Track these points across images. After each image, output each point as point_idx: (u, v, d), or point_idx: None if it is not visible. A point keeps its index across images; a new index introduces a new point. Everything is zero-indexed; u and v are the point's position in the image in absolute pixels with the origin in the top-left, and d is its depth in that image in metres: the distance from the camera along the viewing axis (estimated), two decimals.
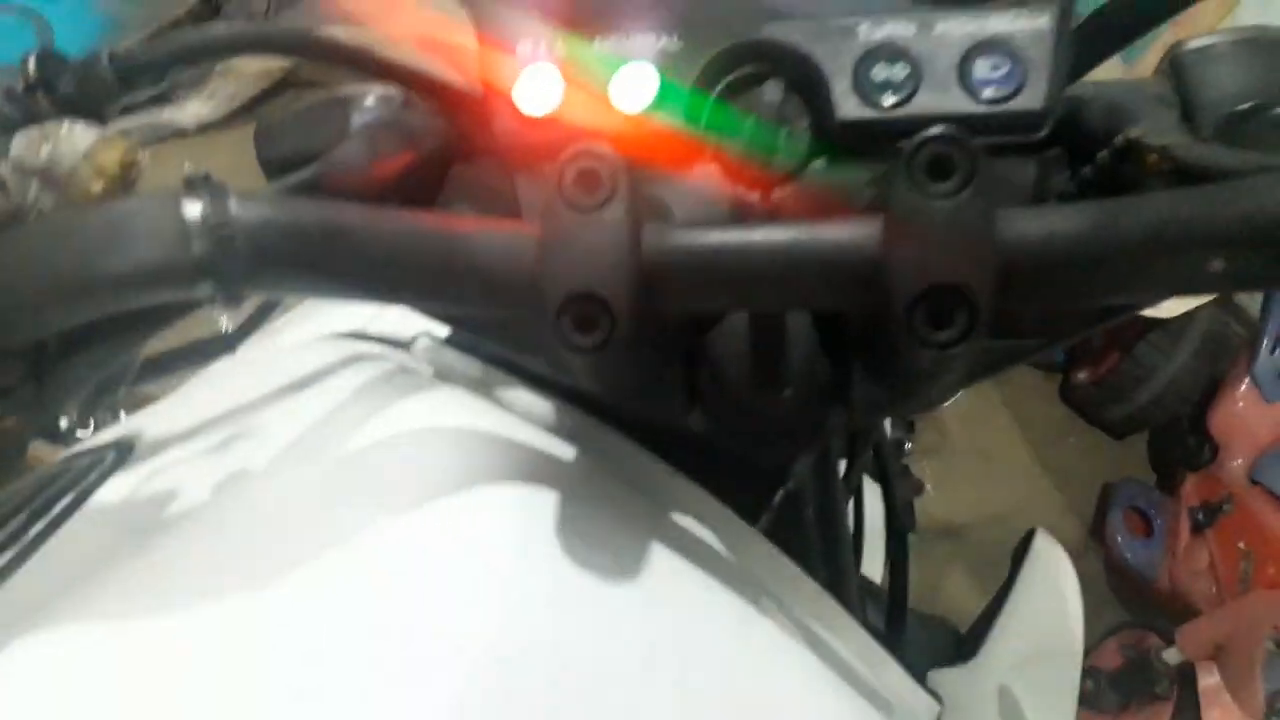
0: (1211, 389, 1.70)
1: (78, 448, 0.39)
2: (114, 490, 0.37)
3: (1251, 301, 1.75)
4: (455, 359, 0.44)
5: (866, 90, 0.35)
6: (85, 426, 0.33)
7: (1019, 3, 0.34)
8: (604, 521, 0.36)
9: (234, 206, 0.27)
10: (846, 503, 0.57)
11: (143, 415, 0.42)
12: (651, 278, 0.29)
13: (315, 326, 0.48)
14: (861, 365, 0.35)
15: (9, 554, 0.34)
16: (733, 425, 0.37)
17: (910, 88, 0.34)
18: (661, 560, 0.36)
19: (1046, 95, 0.34)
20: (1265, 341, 1.62)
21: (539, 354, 0.39)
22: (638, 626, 0.33)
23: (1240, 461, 1.63)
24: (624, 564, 0.35)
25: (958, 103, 0.34)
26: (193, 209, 0.26)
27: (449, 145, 0.39)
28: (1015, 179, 0.36)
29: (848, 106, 0.35)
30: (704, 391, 0.37)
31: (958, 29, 0.34)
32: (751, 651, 0.36)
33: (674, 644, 0.33)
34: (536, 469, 0.37)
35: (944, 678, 0.52)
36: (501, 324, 0.39)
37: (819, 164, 0.36)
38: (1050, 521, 1.83)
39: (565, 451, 0.39)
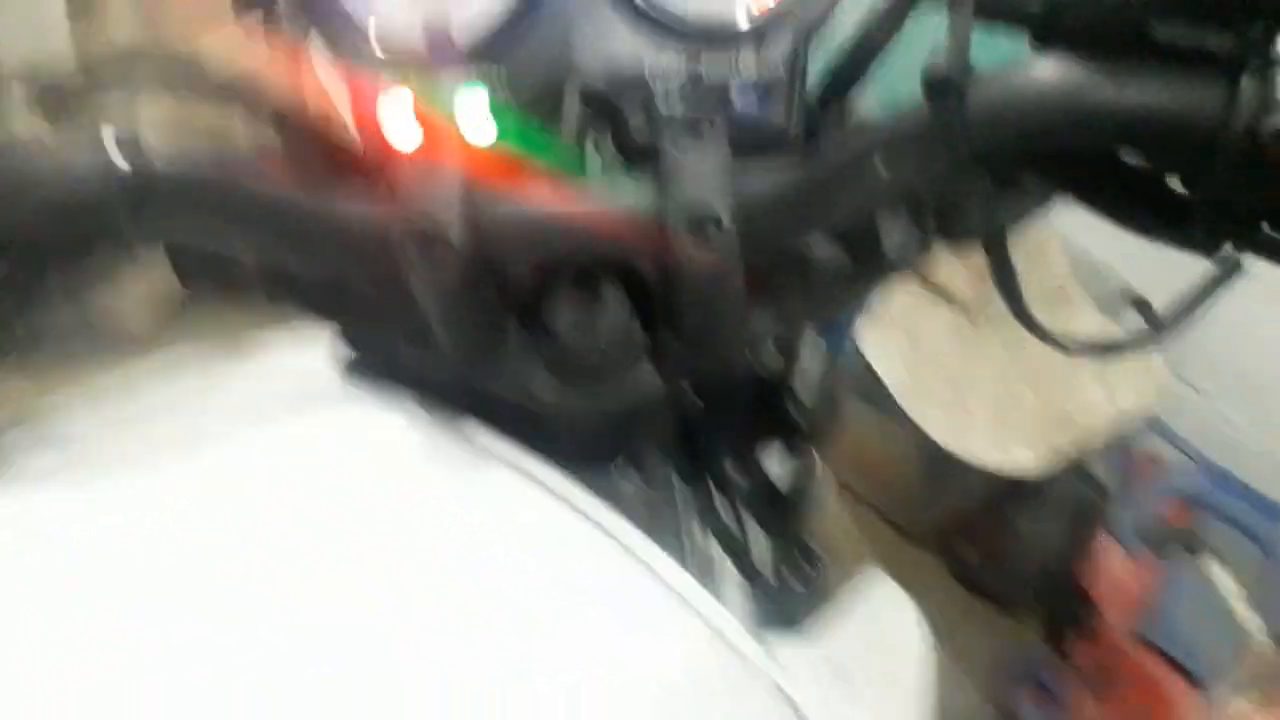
0: (1083, 553, 1.80)
1: None
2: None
3: (1109, 477, 1.88)
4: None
5: (653, 118, 0.45)
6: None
7: (759, 50, 0.46)
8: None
9: (150, 150, 0.35)
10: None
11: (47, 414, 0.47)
12: (484, 226, 0.38)
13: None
14: (663, 321, 0.44)
15: None
16: (567, 380, 0.44)
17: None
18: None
19: (786, 115, 0.45)
20: (1120, 504, 1.74)
21: (405, 339, 0.46)
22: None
23: (1121, 620, 1.70)
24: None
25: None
26: (117, 153, 0.34)
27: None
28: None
29: (639, 131, 0.45)
30: (543, 356, 0.45)
31: (717, 74, 0.46)
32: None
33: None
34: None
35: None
36: (370, 311, 0.46)
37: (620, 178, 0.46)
38: (959, 705, 1.86)
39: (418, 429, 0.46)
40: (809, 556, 1.04)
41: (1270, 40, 0.30)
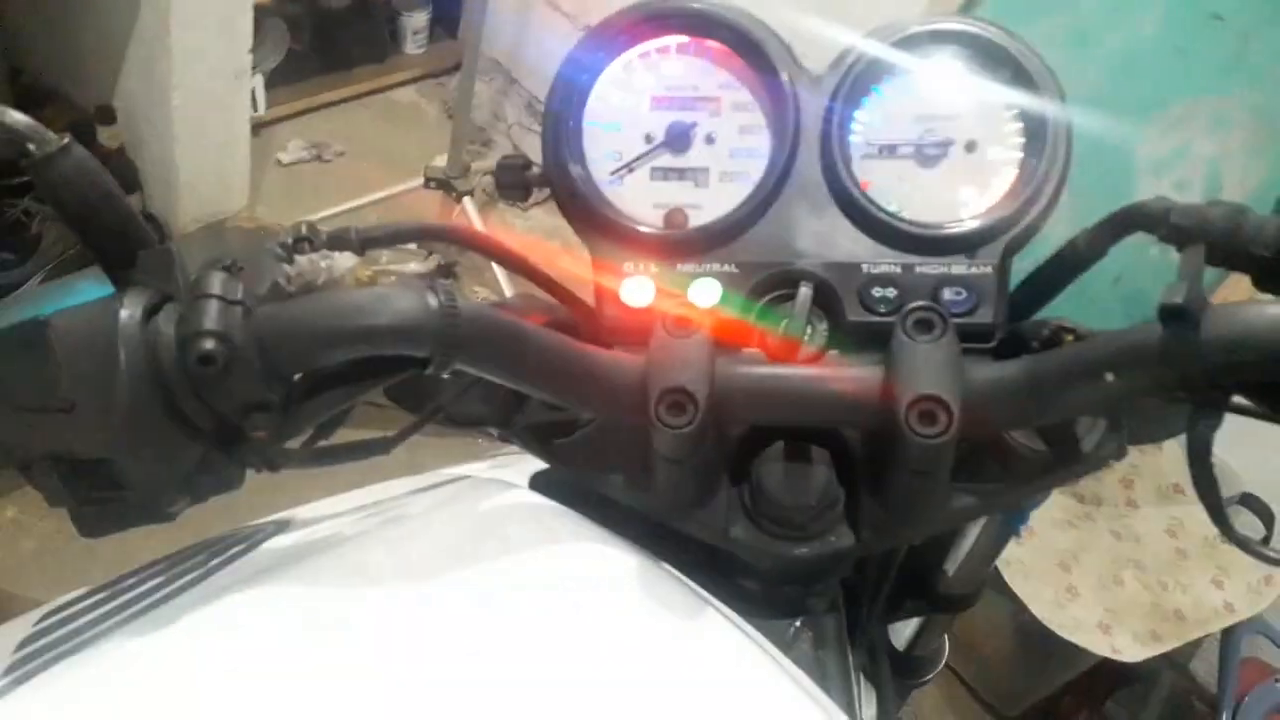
0: None
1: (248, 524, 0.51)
2: (273, 545, 0.48)
3: (1209, 674, 1.82)
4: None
5: (868, 304, 0.50)
6: (294, 465, 0.44)
7: (970, 256, 0.50)
8: (671, 618, 0.46)
9: (460, 302, 0.41)
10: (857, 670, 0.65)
11: (299, 508, 0.53)
12: (721, 386, 0.43)
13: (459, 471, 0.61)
14: (867, 490, 0.48)
15: (193, 575, 0.45)
16: (767, 530, 0.48)
17: (898, 304, 0.50)
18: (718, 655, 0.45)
19: (994, 314, 0.50)
20: (1224, 711, 1.67)
21: (617, 473, 0.50)
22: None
23: None
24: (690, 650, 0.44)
25: None
26: (433, 298, 0.40)
27: (565, 325, 0.54)
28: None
29: (855, 313, 0.50)
30: (745, 506, 0.49)
31: (930, 270, 0.50)
32: None
33: None
34: (622, 564, 0.48)
35: None
36: (590, 453, 0.51)
37: (833, 354, 0.51)
38: None
39: (635, 561, 0.50)
40: None
41: None
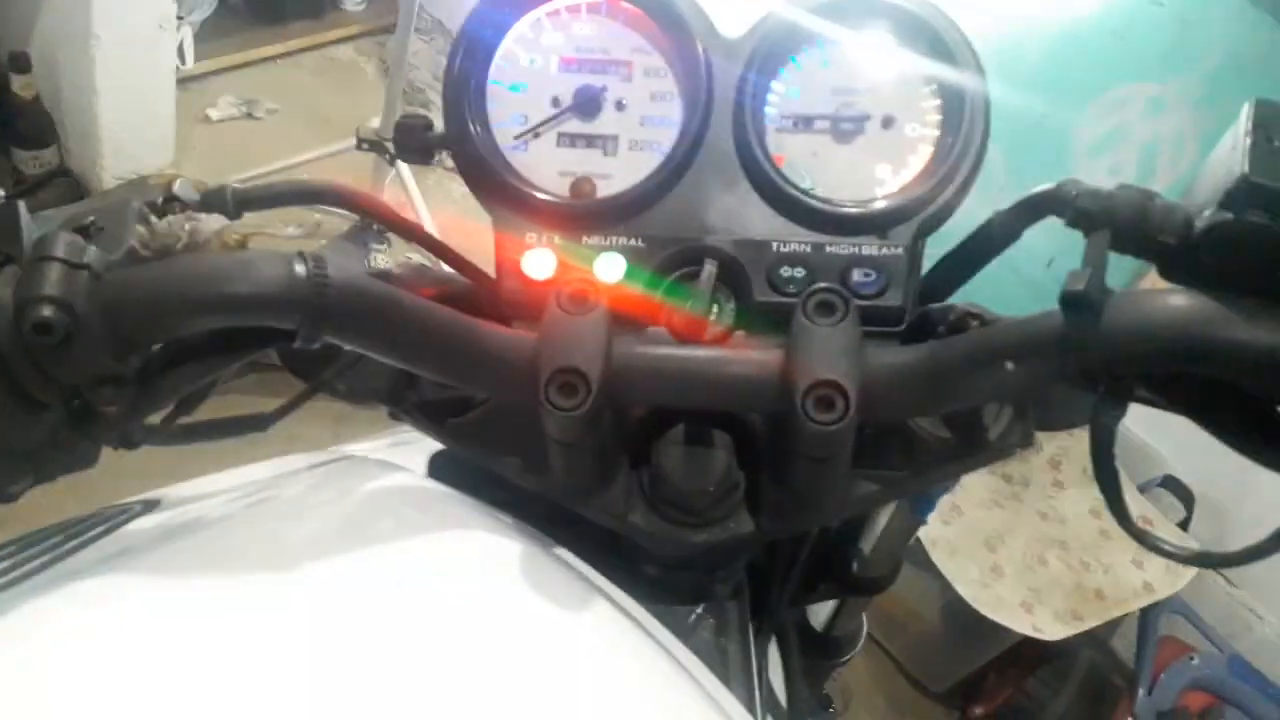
0: None
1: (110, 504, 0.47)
2: (138, 525, 0.45)
3: (1128, 651, 1.86)
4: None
5: (776, 283, 0.48)
6: (153, 440, 0.41)
7: (882, 237, 0.49)
8: (557, 594, 0.44)
9: (330, 270, 0.38)
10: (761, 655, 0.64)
11: (169, 487, 0.50)
12: (618, 365, 0.41)
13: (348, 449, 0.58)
14: (768, 476, 0.46)
15: (43, 560, 0.42)
16: (666, 515, 0.46)
17: (806, 284, 0.48)
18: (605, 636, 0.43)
19: (903, 297, 0.48)
20: (1141, 686, 1.71)
21: (512, 455, 0.48)
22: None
23: None
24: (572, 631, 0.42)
25: None
26: (300, 265, 0.38)
27: (463, 298, 0.52)
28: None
29: (762, 293, 0.48)
30: (645, 490, 0.47)
31: (841, 250, 0.49)
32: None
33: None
34: (503, 546, 0.46)
35: None
36: (485, 434, 0.49)
37: (739, 335, 0.49)
38: None
39: (526, 543, 0.48)
40: (826, 704, 1.05)
41: None
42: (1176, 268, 0.37)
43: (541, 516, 0.51)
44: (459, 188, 2.50)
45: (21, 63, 1.94)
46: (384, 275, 0.47)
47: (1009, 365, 0.38)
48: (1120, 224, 0.37)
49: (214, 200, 0.45)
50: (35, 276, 0.35)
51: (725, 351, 0.44)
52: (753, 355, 0.43)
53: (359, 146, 2.06)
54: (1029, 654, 1.81)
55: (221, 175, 2.25)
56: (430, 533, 0.45)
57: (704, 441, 0.47)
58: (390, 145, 1.84)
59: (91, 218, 0.40)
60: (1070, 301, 0.36)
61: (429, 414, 0.50)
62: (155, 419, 0.41)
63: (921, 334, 0.48)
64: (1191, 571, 1.66)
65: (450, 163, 0.52)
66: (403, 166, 2.13)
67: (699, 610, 0.54)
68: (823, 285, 0.42)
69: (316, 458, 0.53)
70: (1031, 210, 0.44)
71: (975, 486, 1.73)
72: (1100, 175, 1.69)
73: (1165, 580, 1.66)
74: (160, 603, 0.37)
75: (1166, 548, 0.40)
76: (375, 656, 0.36)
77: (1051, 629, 1.59)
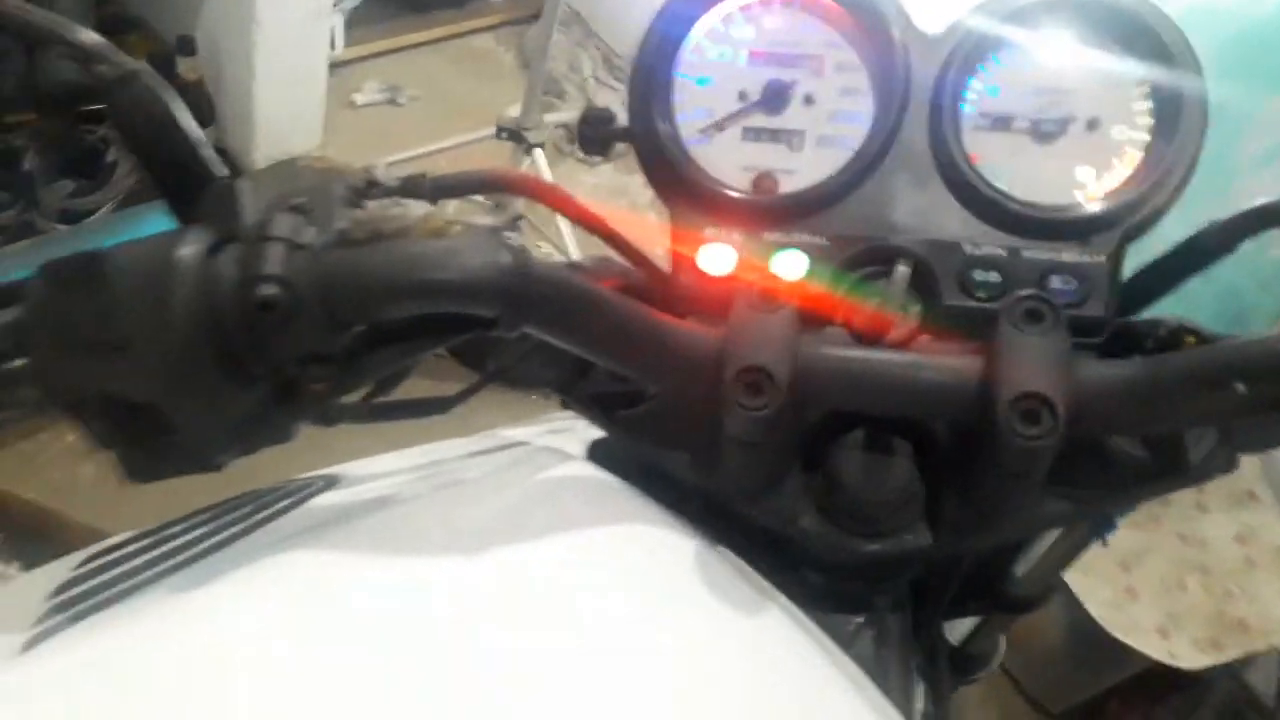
0: None
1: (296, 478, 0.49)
2: (322, 501, 0.46)
3: (1265, 686, 1.76)
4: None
5: (968, 287, 0.47)
6: (350, 420, 0.43)
7: (1084, 242, 0.47)
8: (728, 608, 0.44)
9: (532, 260, 0.38)
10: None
11: (350, 464, 0.52)
12: (804, 368, 0.40)
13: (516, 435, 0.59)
14: (952, 488, 0.45)
15: (234, 530, 0.43)
16: (839, 522, 0.45)
17: (1001, 290, 0.46)
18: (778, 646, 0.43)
19: (1104, 307, 0.46)
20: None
21: (684, 449, 0.48)
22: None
23: None
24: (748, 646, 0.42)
25: None
26: (505, 254, 0.38)
27: (638, 291, 0.52)
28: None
29: (952, 296, 0.47)
30: (818, 495, 0.46)
31: (1038, 255, 0.47)
32: None
33: None
34: (677, 545, 0.46)
35: None
36: (656, 428, 0.49)
37: (926, 339, 0.48)
38: None
39: (692, 541, 0.47)
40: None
41: None
42: None
43: (702, 514, 0.51)
44: (590, 178, 2.54)
45: (188, 46, 2.04)
46: (575, 267, 0.47)
47: (1240, 387, 0.36)
48: None
49: (413, 186, 0.46)
50: (260, 254, 0.36)
51: (919, 356, 0.42)
52: (949, 361, 0.41)
53: (498, 135, 2.10)
54: (1157, 682, 1.73)
55: (364, 159, 2.32)
56: (606, 525, 0.45)
57: (884, 449, 0.46)
58: (527, 135, 1.86)
59: (300, 199, 0.42)
60: None
61: (601, 405, 0.50)
62: (351, 398, 0.42)
63: (1120, 347, 0.46)
64: None
65: (582, 153, 0.53)
66: (538, 155, 2.16)
67: (860, 621, 0.53)
68: (1029, 292, 0.41)
69: (485, 442, 0.54)
70: (1255, 222, 0.42)
71: None
72: (1268, 186, 1.60)
73: None
74: (346, 582, 0.38)
75: None
76: (549, 646, 0.37)
77: (1189, 657, 1.51)
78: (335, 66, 2.53)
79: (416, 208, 0.42)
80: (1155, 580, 1.59)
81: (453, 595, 0.39)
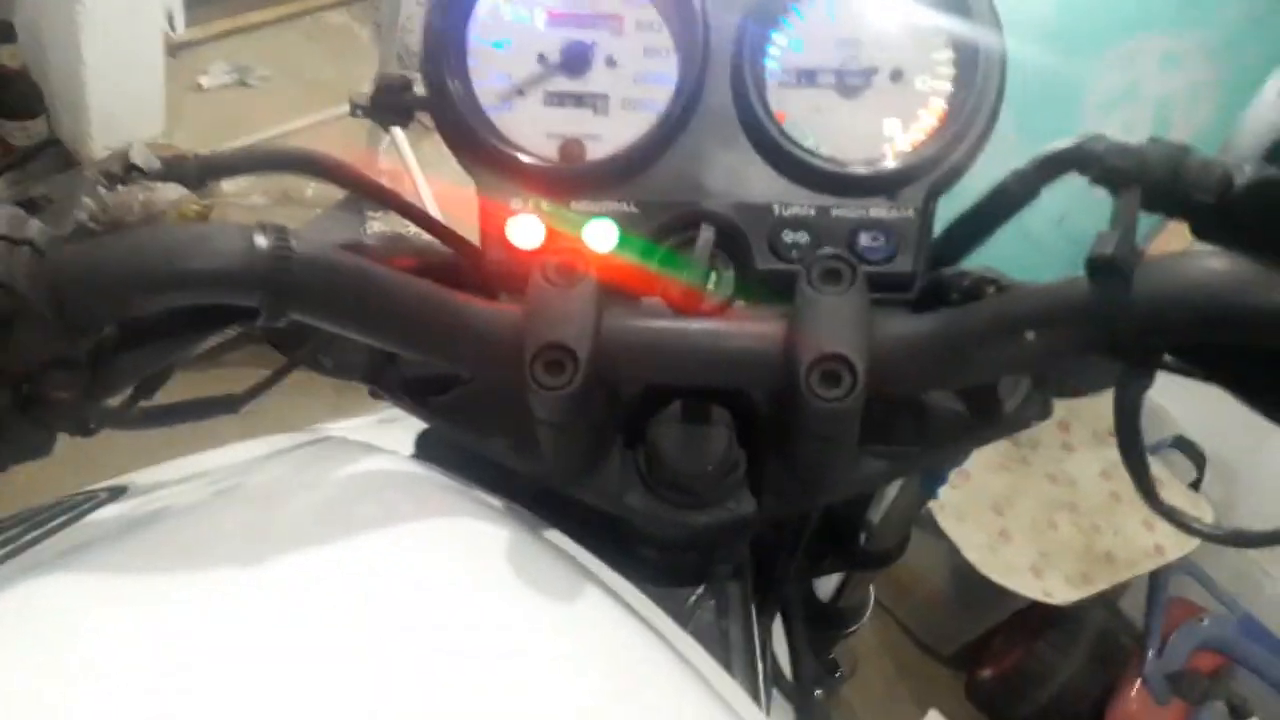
0: (1108, 693, 1.76)
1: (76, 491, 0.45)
2: (103, 515, 0.42)
3: (1136, 613, 1.85)
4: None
5: (778, 250, 0.45)
6: (113, 425, 0.39)
7: (891, 198, 0.46)
8: (544, 581, 0.42)
9: (294, 242, 0.35)
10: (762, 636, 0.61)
11: (138, 472, 0.48)
12: (608, 342, 0.38)
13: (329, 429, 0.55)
14: (771, 454, 0.44)
15: (4, 551, 0.39)
16: (664, 498, 0.44)
17: (811, 249, 0.45)
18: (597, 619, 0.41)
19: (914, 261, 0.45)
20: (1151, 648, 1.70)
21: (500, 436, 0.46)
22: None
23: None
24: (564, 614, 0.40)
25: None
26: (261, 238, 0.35)
27: (445, 271, 0.49)
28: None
29: (764, 259, 0.45)
30: (641, 471, 0.44)
31: (847, 213, 0.46)
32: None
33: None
34: (489, 532, 0.43)
35: None
36: (472, 413, 0.46)
37: (739, 304, 0.46)
38: None
39: (514, 529, 0.45)
40: (833, 670, 1.03)
41: None
42: (1211, 228, 0.34)
43: (535, 497, 0.49)
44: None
45: (6, 32, 1.91)
46: (356, 246, 0.44)
47: (1030, 335, 0.35)
48: (1152, 181, 0.34)
49: (176, 168, 0.42)
50: None
51: (723, 324, 0.41)
52: (753, 327, 0.40)
53: (353, 113, 2.02)
54: (1037, 617, 1.80)
55: (214, 144, 2.21)
56: (411, 519, 0.42)
57: (702, 419, 0.44)
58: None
59: (42, 192, 0.38)
60: (1098, 266, 0.33)
61: (411, 392, 0.48)
62: (115, 402, 0.38)
63: (933, 301, 0.45)
64: None
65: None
66: (397, 133, 2.09)
67: (700, 591, 0.52)
68: (828, 252, 0.39)
69: (296, 438, 0.51)
70: (1053, 166, 0.41)
71: (982, 450, 1.70)
72: (1114, 131, 1.65)
73: (1176, 542, 1.64)
74: (122, 599, 0.35)
75: (1199, 528, 0.37)
76: (350, 651, 0.34)
77: (1061, 592, 1.57)
78: (178, 49, 2.41)
79: (169, 191, 0.38)
80: (1027, 521, 1.65)
81: (241, 605, 0.35)
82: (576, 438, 0.42)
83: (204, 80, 2.43)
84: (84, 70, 1.94)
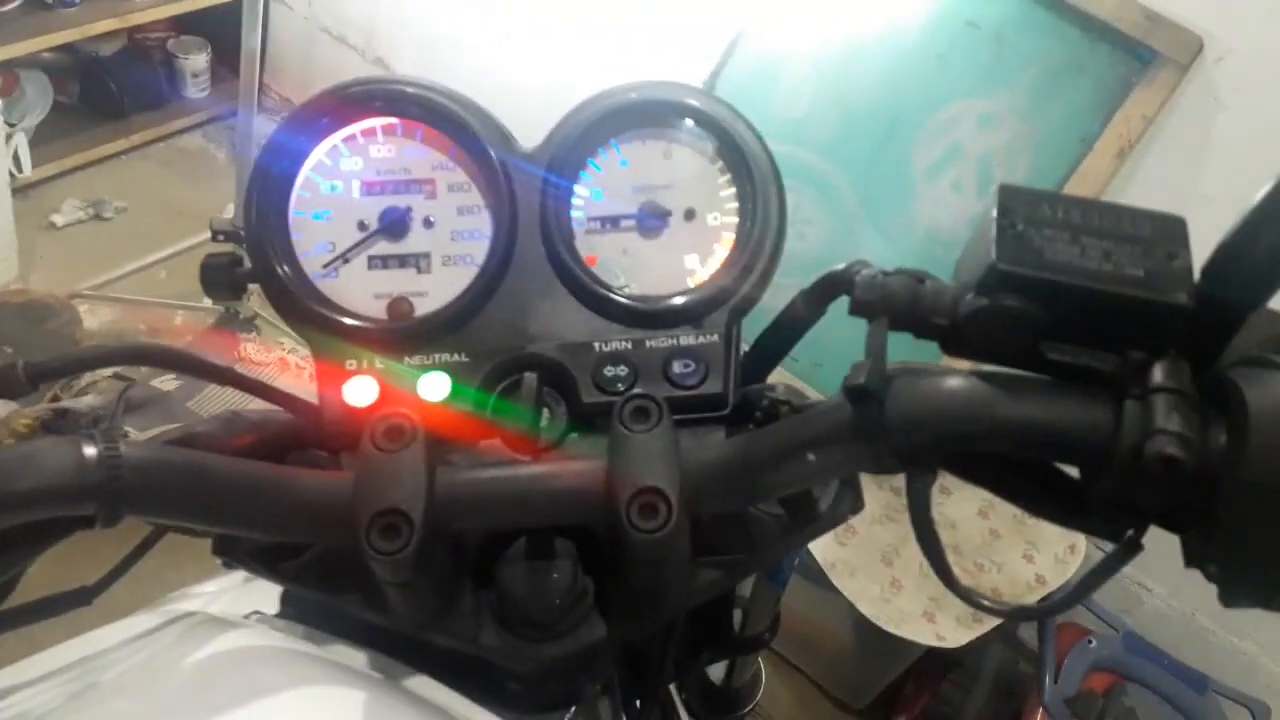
0: None
1: None
2: None
3: (1034, 641, 1.92)
4: (283, 625, 0.52)
5: (602, 384, 0.49)
6: None
7: (698, 326, 0.50)
8: None
9: (123, 448, 0.37)
10: None
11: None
12: (441, 499, 0.41)
13: (163, 609, 0.55)
14: (613, 580, 0.46)
15: None
16: (518, 633, 0.46)
17: (631, 381, 0.49)
18: None
19: (723, 382, 0.49)
20: (1048, 675, 1.77)
21: (354, 593, 0.47)
22: None
23: None
24: None
25: (663, 390, 0.49)
26: (90, 448, 0.36)
27: (285, 435, 0.51)
28: (711, 438, 0.50)
29: (590, 395, 0.49)
30: (492, 611, 0.47)
31: (660, 343, 0.50)
32: None
33: None
34: (346, 698, 0.45)
35: None
36: (323, 573, 0.48)
37: (573, 437, 0.49)
38: None
39: (375, 687, 0.47)
40: None
41: (1147, 367, 0.34)
42: (953, 345, 0.38)
43: (400, 642, 0.50)
44: None
45: None
46: (188, 438, 0.46)
47: (811, 456, 0.39)
48: (895, 310, 0.38)
49: (3, 382, 0.44)
50: None
51: (549, 466, 0.44)
52: (576, 467, 0.43)
53: (214, 238, 2.01)
54: (940, 660, 1.85)
55: (72, 283, 2.17)
56: (270, 694, 0.43)
57: (546, 554, 0.47)
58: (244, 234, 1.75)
59: None
60: (854, 394, 0.37)
61: (261, 559, 0.49)
62: None
63: (746, 416, 0.49)
64: (1078, 559, 1.73)
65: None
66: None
67: (571, 713, 0.54)
68: (635, 393, 0.43)
69: (151, 619, 0.51)
70: (826, 291, 0.46)
71: (868, 504, 1.76)
72: (944, 193, 1.77)
73: (1055, 570, 1.72)
74: None
75: (987, 604, 0.42)
76: None
77: (954, 635, 1.63)
78: (26, 188, 2.36)
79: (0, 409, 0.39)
80: (915, 568, 1.70)
81: None
82: (423, 590, 0.44)
83: (57, 219, 2.38)
84: None
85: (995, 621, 1.69)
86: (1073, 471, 0.38)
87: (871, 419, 0.37)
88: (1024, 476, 0.39)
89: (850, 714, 2.00)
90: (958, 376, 0.37)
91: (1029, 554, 1.74)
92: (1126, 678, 1.77)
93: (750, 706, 0.96)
